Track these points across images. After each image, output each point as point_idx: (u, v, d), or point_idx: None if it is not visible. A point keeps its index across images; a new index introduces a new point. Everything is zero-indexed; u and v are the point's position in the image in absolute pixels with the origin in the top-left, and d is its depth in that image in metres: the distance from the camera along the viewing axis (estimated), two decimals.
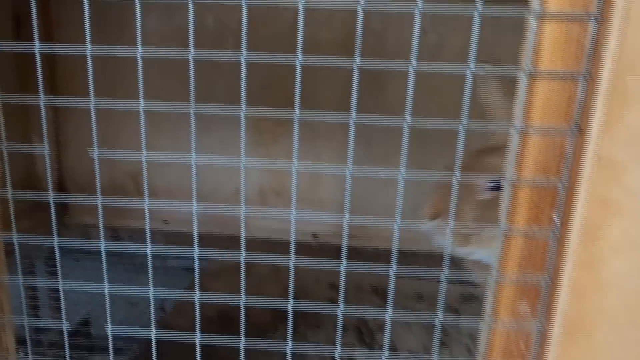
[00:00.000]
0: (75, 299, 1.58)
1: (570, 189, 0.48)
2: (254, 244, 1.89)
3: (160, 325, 1.29)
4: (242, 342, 0.57)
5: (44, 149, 0.57)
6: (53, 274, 1.51)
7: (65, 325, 0.62)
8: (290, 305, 0.56)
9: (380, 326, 1.31)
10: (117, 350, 1.32)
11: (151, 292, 0.58)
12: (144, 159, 0.52)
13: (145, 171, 0.54)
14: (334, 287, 1.46)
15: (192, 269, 1.60)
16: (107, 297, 0.59)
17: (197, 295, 0.58)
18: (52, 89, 1.75)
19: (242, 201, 0.55)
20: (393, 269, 0.55)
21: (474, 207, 0.87)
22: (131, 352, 1.20)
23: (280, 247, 1.75)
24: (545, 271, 0.51)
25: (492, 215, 0.82)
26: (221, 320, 1.30)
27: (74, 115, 1.76)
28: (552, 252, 0.50)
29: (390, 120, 0.50)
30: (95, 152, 0.52)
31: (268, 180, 1.84)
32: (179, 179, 1.80)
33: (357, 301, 1.42)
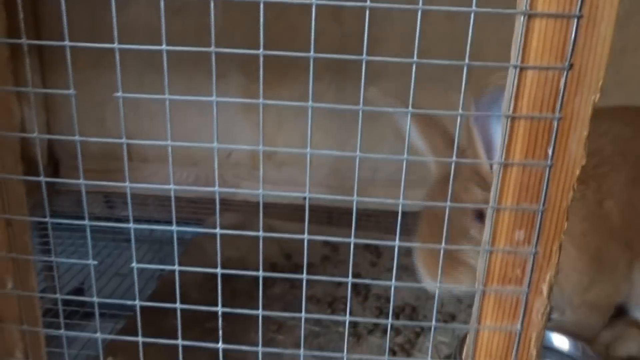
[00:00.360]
0: (68, 266, 1.60)
1: (564, 123, 0.52)
2: (248, 207, 1.91)
3: (155, 290, 1.32)
4: (220, 308, 0.60)
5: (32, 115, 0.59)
6: (46, 243, 1.52)
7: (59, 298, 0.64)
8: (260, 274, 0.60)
9: (374, 278, 1.36)
10: (110, 316, 1.35)
11: (135, 265, 0.61)
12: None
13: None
14: (327, 244, 1.51)
15: (187, 233, 1.61)
16: (92, 272, 0.62)
17: (176, 267, 0.61)
18: (39, 53, 1.74)
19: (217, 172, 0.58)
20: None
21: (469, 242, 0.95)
22: (124, 318, 1.23)
23: (274, 209, 1.78)
24: (540, 200, 0.55)
25: None
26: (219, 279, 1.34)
27: (62, 80, 1.75)
28: (544, 182, 0.54)
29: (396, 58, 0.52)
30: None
31: (258, 143, 1.86)
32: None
33: (353, 257, 1.47)
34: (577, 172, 0.54)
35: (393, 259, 1.49)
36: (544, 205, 0.55)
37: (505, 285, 0.58)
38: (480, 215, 0.93)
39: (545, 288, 0.58)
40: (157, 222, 1.79)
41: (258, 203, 2.00)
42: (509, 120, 0.53)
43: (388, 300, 1.26)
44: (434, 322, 0.62)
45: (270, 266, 1.37)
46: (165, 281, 1.33)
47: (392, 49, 1.66)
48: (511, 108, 0.52)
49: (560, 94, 0.51)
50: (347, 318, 0.63)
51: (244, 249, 1.42)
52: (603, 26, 0.49)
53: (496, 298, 0.59)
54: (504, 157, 0.54)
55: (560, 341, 0.98)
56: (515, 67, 0.51)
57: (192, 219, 1.72)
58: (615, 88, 1.67)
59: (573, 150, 0.53)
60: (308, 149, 0.55)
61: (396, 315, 1.20)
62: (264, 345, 1.08)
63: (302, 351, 0.65)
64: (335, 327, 1.14)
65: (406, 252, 1.08)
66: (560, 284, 0.99)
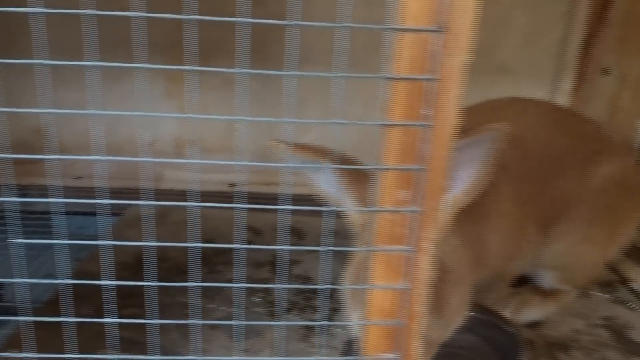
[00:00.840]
0: None
1: (439, 85, 0.55)
2: (171, 197, 1.88)
3: (76, 272, 1.28)
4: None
5: None
6: None
7: None
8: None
9: (295, 260, 1.37)
10: (28, 310, 1.29)
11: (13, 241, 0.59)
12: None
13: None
14: (251, 229, 1.51)
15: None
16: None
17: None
18: None
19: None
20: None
21: None
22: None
23: (198, 197, 1.76)
24: (420, 160, 0.57)
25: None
26: (138, 264, 1.31)
27: None
28: (424, 142, 0.56)
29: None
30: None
31: (183, 130, 1.83)
32: (88, 133, 1.76)
33: (273, 241, 1.47)
34: (453, 132, 0.56)
35: (315, 241, 1.50)
36: (424, 165, 0.57)
37: (392, 244, 0.61)
38: None
39: (430, 246, 0.61)
40: (76, 214, 1.73)
41: (183, 191, 1.96)
42: (389, 82, 0.55)
43: (308, 280, 1.28)
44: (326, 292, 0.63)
45: (191, 252, 1.36)
46: (80, 272, 1.29)
47: (316, 32, 1.68)
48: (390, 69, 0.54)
49: (436, 56, 0.54)
50: (238, 285, 0.63)
51: (164, 237, 1.40)
52: None
53: (385, 258, 0.61)
54: (385, 118, 0.56)
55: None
56: (392, 29, 0.53)
57: (114, 209, 1.67)
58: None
59: (448, 110, 0.56)
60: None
61: (316, 295, 1.22)
62: (182, 329, 1.08)
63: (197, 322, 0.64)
64: (251, 308, 1.15)
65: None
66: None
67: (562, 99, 1.75)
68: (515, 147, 1.08)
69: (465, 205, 0.88)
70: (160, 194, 1.78)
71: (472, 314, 1.03)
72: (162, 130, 1.82)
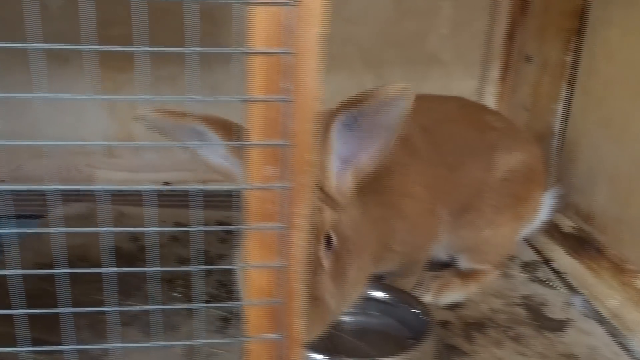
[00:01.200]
0: None
1: (297, 58, 0.54)
2: (101, 196, 1.83)
3: None
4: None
5: None
6: None
7: None
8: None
9: (221, 255, 1.36)
10: None
11: None
12: None
13: None
14: (179, 224, 1.49)
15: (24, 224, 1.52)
16: None
17: None
18: None
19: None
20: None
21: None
22: None
23: (129, 196, 1.73)
24: (284, 136, 0.57)
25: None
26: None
27: None
28: (287, 117, 0.56)
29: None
30: None
31: (114, 129, 1.80)
32: (15, 128, 1.70)
33: (204, 235, 1.46)
34: (315, 106, 0.56)
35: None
36: (288, 140, 0.57)
37: (264, 222, 0.60)
38: (329, 241, 0.82)
39: (302, 222, 0.61)
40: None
41: (112, 191, 1.91)
42: (247, 57, 0.54)
43: (231, 273, 1.27)
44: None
45: (115, 249, 1.33)
46: None
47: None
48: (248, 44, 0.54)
49: (291, 29, 0.54)
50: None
51: (87, 236, 1.37)
52: None
53: (258, 236, 0.61)
54: (246, 94, 0.55)
55: (377, 290, 1.03)
56: (243, 3, 0.53)
57: (37, 212, 1.62)
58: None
59: (308, 84, 0.56)
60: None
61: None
62: (94, 324, 1.05)
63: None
64: (170, 303, 1.13)
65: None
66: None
67: (491, 88, 1.79)
68: (425, 135, 1.10)
69: (372, 186, 0.89)
70: (91, 195, 1.73)
71: (385, 295, 1.05)
72: (92, 128, 1.78)
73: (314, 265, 0.80)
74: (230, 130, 0.82)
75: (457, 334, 1.07)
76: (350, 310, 1.07)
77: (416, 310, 1.00)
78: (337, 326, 1.05)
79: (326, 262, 0.82)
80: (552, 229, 1.42)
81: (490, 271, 1.23)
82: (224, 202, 1.69)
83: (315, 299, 0.80)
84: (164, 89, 1.76)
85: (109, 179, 1.80)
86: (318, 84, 0.56)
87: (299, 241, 0.61)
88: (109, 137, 1.81)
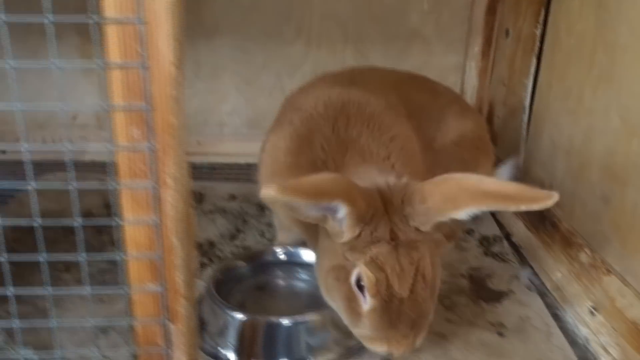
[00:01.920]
0: None
1: (150, 27, 0.58)
2: (94, 167, 1.93)
3: None
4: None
5: None
6: None
7: None
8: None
9: None
10: None
11: None
12: None
13: None
14: None
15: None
16: None
17: None
18: None
19: None
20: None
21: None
22: None
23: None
24: (144, 99, 0.61)
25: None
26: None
27: None
28: (146, 81, 0.60)
29: None
30: None
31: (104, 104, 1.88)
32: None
33: None
34: (173, 72, 0.60)
35: (214, 204, 1.52)
36: (149, 104, 0.61)
37: (134, 180, 0.65)
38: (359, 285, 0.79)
39: (170, 180, 0.65)
40: None
41: (104, 163, 2.02)
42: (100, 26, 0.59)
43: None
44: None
45: (87, 214, 1.41)
46: None
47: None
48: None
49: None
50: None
51: (64, 201, 1.46)
52: None
53: (131, 193, 0.66)
54: (105, 59, 0.60)
55: (310, 255, 1.07)
56: None
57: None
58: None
59: (163, 50, 0.60)
60: None
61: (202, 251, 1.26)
62: (52, 284, 1.14)
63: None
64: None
65: None
66: None
67: (473, 63, 1.77)
68: (395, 93, 1.11)
69: None
70: (83, 166, 1.83)
71: None
72: (83, 103, 1.87)
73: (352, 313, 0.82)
74: (363, 199, 0.78)
75: None
76: (282, 274, 1.12)
77: None
78: (270, 289, 1.10)
79: (366, 304, 0.80)
80: None
81: (442, 241, 1.24)
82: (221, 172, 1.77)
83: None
84: None
85: (100, 151, 1.89)
86: (174, 50, 0.60)
87: (171, 199, 0.66)
88: (99, 111, 1.90)
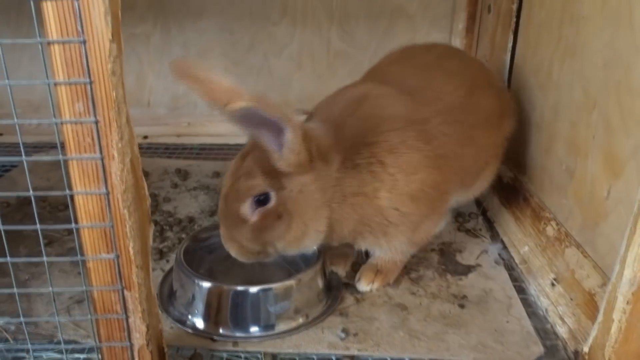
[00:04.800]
0: None
1: (83, 2, 0.61)
2: None
3: None
4: None
5: None
6: None
7: None
8: None
9: (169, 199, 1.45)
10: None
11: None
12: None
13: None
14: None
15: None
16: None
17: None
18: None
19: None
20: None
21: (257, 230, 0.94)
22: None
23: None
24: (86, 75, 0.64)
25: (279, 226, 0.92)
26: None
27: None
28: (85, 57, 0.63)
29: None
30: None
31: None
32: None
33: (160, 181, 1.56)
34: (108, 46, 0.63)
35: (198, 181, 1.56)
36: (90, 78, 0.64)
37: (82, 153, 0.68)
38: (260, 200, 0.92)
39: (116, 153, 0.68)
40: None
41: None
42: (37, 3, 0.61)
43: (171, 215, 1.36)
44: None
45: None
46: None
47: None
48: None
49: None
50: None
51: (54, 179, 1.50)
52: None
53: (79, 166, 0.69)
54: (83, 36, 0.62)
55: None
56: None
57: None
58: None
59: (98, 25, 0.62)
60: None
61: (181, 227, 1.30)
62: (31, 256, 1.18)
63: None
64: None
65: None
66: None
67: (458, 40, 1.77)
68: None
69: None
70: None
71: None
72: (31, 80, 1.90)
73: (236, 220, 0.94)
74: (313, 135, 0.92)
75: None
76: None
77: None
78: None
79: (254, 216, 0.93)
80: (495, 180, 1.42)
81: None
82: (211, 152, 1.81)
83: (233, 241, 0.97)
84: (140, 48, 1.85)
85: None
86: (110, 25, 0.62)
87: (117, 171, 0.69)
88: None
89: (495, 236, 1.28)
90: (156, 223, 1.31)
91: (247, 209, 0.93)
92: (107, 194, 0.70)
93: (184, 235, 1.27)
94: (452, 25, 1.77)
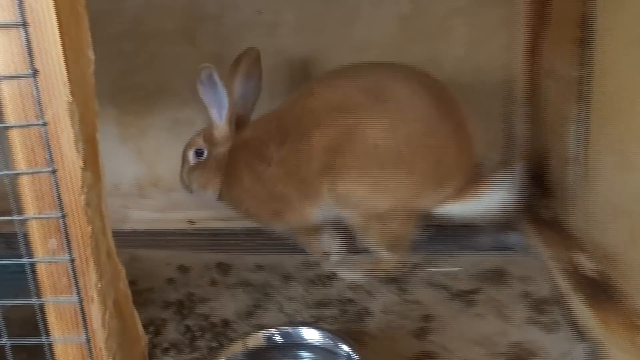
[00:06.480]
0: None
1: (51, 128, 0.53)
2: (136, 236, 1.93)
3: None
4: None
5: None
6: None
7: None
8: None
9: (205, 298, 1.35)
10: None
11: None
12: None
13: None
14: (182, 268, 1.51)
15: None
16: None
17: None
18: None
19: None
20: None
21: (191, 171, 1.46)
22: None
23: (160, 235, 1.81)
24: (57, 208, 0.55)
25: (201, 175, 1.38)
26: None
27: None
28: (56, 189, 0.54)
29: None
30: None
31: (144, 172, 1.89)
32: None
33: (200, 278, 1.47)
34: (80, 174, 0.54)
35: (238, 277, 1.45)
36: (62, 211, 0.55)
37: (58, 295, 0.58)
38: (197, 152, 1.44)
39: (95, 295, 0.58)
40: None
41: (144, 231, 1.99)
42: (6, 132, 0.54)
43: (206, 318, 1.25)
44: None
45: None
46: None
47: None
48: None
49: (40, 101, 0.52)
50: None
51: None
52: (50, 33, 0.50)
53: (56, 309, 0.59)
54: (11, 168, 0.54)
55: (311, 334, 0.97)
56: None
57: None
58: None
59: (69, 153, 0.54)
60: None
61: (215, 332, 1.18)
62: None
63: None
64: None
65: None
66: None
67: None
68: None
69: None
70: (125, 236, 1.84)
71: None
72: (123, 172, 1.89)
73: (184, 161, 1.48)
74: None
75: None
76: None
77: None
78: None
79: (192, 162, 1.45)
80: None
81: None
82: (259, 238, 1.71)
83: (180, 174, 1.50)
84: (184, 132, 1.83)
85: (141, 219, 1.89)
86: (80, 153, 0.53)
87: (97, 315, 0.59)
88: (140, 180, 1.91)
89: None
90: (187, 329, 1.20)
91: (190, 156, 1.45)
92: (88, 341, 0.59)
93: (214, 344, 1.14)
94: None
